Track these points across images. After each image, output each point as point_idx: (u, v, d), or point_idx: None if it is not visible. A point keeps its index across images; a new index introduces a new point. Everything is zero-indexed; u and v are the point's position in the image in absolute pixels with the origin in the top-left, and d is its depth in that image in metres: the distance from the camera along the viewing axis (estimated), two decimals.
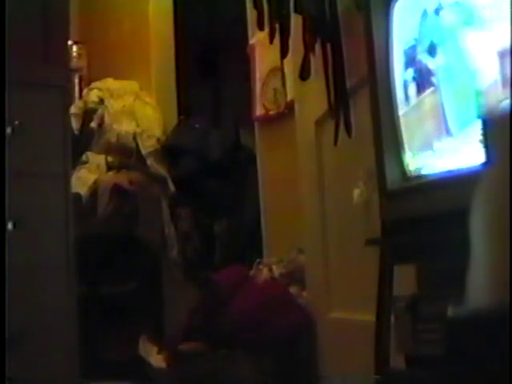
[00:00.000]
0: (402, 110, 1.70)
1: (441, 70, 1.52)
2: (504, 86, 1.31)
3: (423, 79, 1.58)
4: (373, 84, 2.31)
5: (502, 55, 1.32)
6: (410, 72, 1.62)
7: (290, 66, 3.32)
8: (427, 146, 1.68)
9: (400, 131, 2.17)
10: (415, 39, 1.62)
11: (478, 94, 1.38)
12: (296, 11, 2.86)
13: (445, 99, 1.51)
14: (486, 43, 1.37)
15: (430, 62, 1.54)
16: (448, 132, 1.52)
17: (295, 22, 2.91)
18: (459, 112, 1.47)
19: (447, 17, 1.49)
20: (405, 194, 2.19)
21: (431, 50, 1.54)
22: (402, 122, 1.74)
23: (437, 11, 1.54)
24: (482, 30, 1.40)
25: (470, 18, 1.45)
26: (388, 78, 2.19)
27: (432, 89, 1.56)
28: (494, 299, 1.11)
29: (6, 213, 2.63)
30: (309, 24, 2.84)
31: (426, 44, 1.56)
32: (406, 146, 1.91)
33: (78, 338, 2.79)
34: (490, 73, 1.35)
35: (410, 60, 1.63)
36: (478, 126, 1.38)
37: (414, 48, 1.62)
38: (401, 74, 1.65)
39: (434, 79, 1.54)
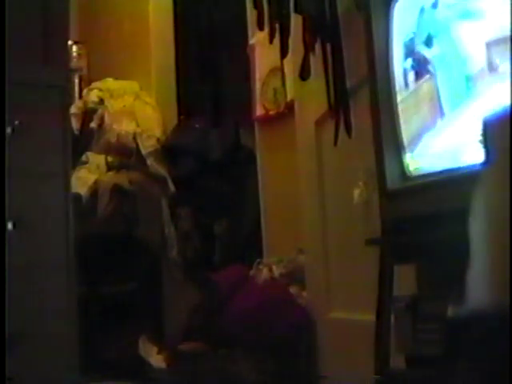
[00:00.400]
0: (401, 95, 1.90)
1: (436, 59, 1.74)
2: (490, 72, 1.52)
3: (421, 67, 1.79)
4: (373, 84, 2.31)
5: (489, 45, 1.53)
6: (409, 61, 1.83)
7: (290, 66, 3.31)
8: (423, 126, 1.85)
9: (400, 131, 2.18)
10: (414, 32, 1.82)
11: (468, 78, 1.61)
12: (296, 11, 2.86)
13: (439, 84, 1.73)
14: (476, 35, 1.58)
15: (427, 52, 1.76)
16: (442, 112, 1.73)
17: (295, 22, 2.91)
18: (452, 95, 1.70)
19: (442, 12, 1.71)
20: (405, 194, 2.19)
21: (428, 42, 1.75)
22: (401, 106, 1.91)
23: (433, 7, 1.74)
24: (471, 22, 1.61)
25: (462, 13, 1.65)
26: (388, 78, 2.20)
27: (428, 75, 1.78)
28: (493, 299, 1.11)
29: (6, 213, 2.63)
30: (309, 24, 2.84)
31: (424, 36, 1.77)
32: (403, 128, 1.97)
33: (77, 338, 2.79)
34: (478, 60, 1.57)
35: (410, 51, 1.83)
36: (468, 106, 1.62)
37: (412, 40, 1.83)
38: (401, 64, 1.86)
39: (430, 67, 1.76)
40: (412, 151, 2.08)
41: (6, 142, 2.66)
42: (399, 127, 2.19)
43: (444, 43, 1.72)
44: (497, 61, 1.53)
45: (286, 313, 3.28)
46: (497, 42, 1.51)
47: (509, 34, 1.52)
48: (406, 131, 2.00)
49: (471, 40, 1.61)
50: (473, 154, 1.62)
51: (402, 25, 1.90)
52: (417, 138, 1.91)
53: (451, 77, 1.70)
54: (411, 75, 1.83)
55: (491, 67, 1.56)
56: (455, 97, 1.70)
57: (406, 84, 1.86)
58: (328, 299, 3.13)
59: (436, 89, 1.75)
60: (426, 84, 1.79)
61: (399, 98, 1.97)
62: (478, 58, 1.60)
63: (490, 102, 1.54)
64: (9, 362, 2.47)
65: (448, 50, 1.71)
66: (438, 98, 1.74)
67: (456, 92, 1.69)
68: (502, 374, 1.07)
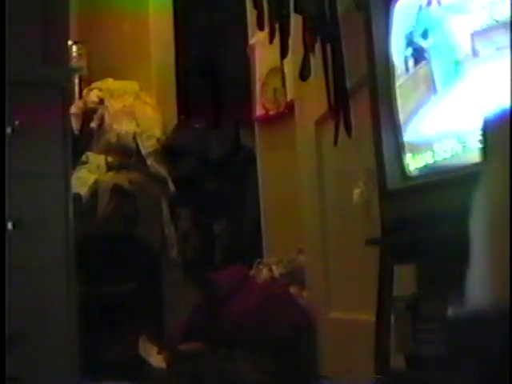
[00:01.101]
0: (402, 78, 2.22)
1: (431, 48, 2.08)
2: (474, 57, 1.90)
3: (419, 55, 2.13)
4: (372, 83, 2.32)
5: (472, 36, 1.89)
6: (410, 50, 2.17)
7: (290, 66, 3.31)
8: (420, 102, 2.14)
9: (400, 132, 2.19)
10: (413, 26, 2.16)
11: (457, 63, 1.96)
12: (296, 11, 2.86)
13: (434, 68, 2.07)
14: (462, 28, 1.94)
15: (424, 43, 2.10)
16: (435, 90, 2.06)
17: (295, 22, 2.91)
18: (443, 76, 2.04)
19: (435, 10, 2.07)
20: (405, 194, 2.20)
21: (424, 34, 2.10)
22: (401, 88, 2.23)
23: (428, 5, 2.09)
24: (459, 18, 1.97)
25: (451, 9, 2.02)
26: (387, 76, 2.21)
27: (425, 61, 2.11)
28: (493, 299, 1.12)
29: (6, 213, 2.63)
30: (309, 24, 2.84)
31: (421, 30, 2.11)
32: (401, 107, 2.22)
33: (78, 337, 2.79)
34: (464, 48, 1.93)
35: (410, 41, 2.17)
36: (457, 85, 1.99)
37: (412, 33, 2.16)
38: (402, 52, 2.20)
39: (426, 55, 2.10)
40: (408, 125, 2.19)
41: (6, 142, 2.66)
42: (399, 126, 2.21)
43: (437, 35, 2.07)
44: (479, 48, 1.89)
45: (286, 313, 3.28)
46: (479, 33, 1.88)
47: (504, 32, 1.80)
48: (403, 109, 2.22)
49: (459, 32, 1.96)
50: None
51: (404, 20, 2.20)
52: (414, 112, 2.18)
53: (443, 62, 2.04)
54: (411, 62, 2.17)
55: (474, 53, 1.91)
56: (446, 78, 2.03)
57: (407, 69, 2.18)
58: (328, 299, 3.13)
59: (431, 72, 2.08)
60: (422, 68, 2.12)
61: (400, 82, 2.23)
62: (464, 46, 1.94)
63: (473, 81, 1.91)
64: (9, 362, 2.47)
65: (440, 41, 2.05)
66: (433, 79, 2.07)
67: (447, 74, 2.02)
68: (502, 374, 1.07)
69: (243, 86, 4.12)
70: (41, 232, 2.75)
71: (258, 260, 3.75)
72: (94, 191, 4.12)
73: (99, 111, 4.48)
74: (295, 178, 3.46)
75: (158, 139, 4.44)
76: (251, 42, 4.03)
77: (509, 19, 1.80)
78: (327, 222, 3.14)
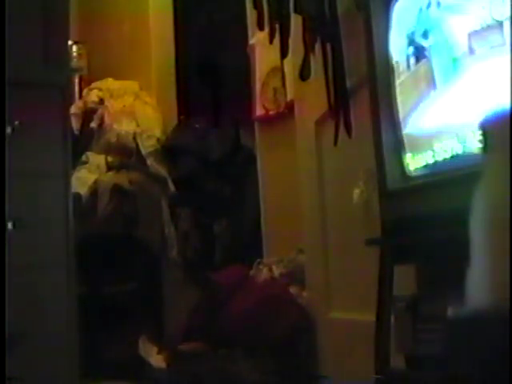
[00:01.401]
0: (404, 75, 2.30)
1: (431, 47, 2.18)
2: (470, 55, 2.00)
3: (419, 53, 2.23)
4: (373, 83, 2.32)
5: (469, 35, 1.99)
6: (411, 49, 2.26)
7: (290, 66, 3.32)
8: (421, 97, 2.21)
9: (401, 132, 2.19)
10: (414, 26, 2.24)
11: (455, 60, 2.06)
12: (296, 11, 2.86)
13: (434, 65, 2.16)
14: (460, 28, 2.04)
15: (424, 42, 2.20)
16: (435, 86, 2.15)
17: (295, 22, 2.91)
18: (443, 73, 2.13)
19: (435, 11, 2.16)
20: (405, 194, 2.20)
21: (425, 35, 2.19)
22: (402, 85, 2.30)
23: (428, 7, 2.18)
24: (457, 18, 2.06)
25: (449, 10, 2.11)
26: (387, 76, 2.22)
27: (425, 59, 2.20)
28: (494, 299, 1.12)
29: (5, 213, 2.63)
30: (309, 24, 2.84)
31: (422, 30, 2.20)
32: (401, 104, 2.27)
33: (77, 338, 2.79)
34: (462, 47, 2.02)
35: (411, 41, 2.26)
36: (455, 81, 2.09)
37: (413, 33, 2.24)
38: (404, 51, 2.29)
39: (426, 53, 2.19)
40: (408, 122, 2.23)
41: (6, 142, 2.66)
42: (399, 126, 2.21)
43: (437, 35, 2.16)
44: (475, 46, 1.98)
45: (286, 313, 3.28)
46: (475, 33, 1.97)
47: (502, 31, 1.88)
48: (404, 106, 2.27)
49: (457, 32, 2.05)
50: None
51: (405, 20, 2.28)
52: (414, 108, 2.23)
53: (442, 60, 2.13)
54: (412, 60, 2.26)
55: (471, 52, 1.99)
56: (445, 74, 2.12)
57: (408, 67, 2.27)
58: (328, 299, 3.13)
59: (431, 69, 2.17)
60: (423, 66, 2.21)
61: (401, 79, 2.30)
62: (461, 45, 2.02)
63: (471, 77, 2.01)
64: (9, 361, 2.47)
65: (440, 40, 2.14)
66: (433, 75, 2.16)
67: (446, 71, 2.12)
68: (502, 374, 1.07)
69: (243, 86, 4.12)
70: (41, 232, 2.74)
71: (258, 260, 3.75)
72: (94, 191, 4.12)
73: (99, 111, 4.49)
74: (295, 178, 3.46)
75: (158, 139, 4.45)
76: (251, 41, 4.03)
77: (506, 19, 1.84)
78: (327, 222, 3.14)
